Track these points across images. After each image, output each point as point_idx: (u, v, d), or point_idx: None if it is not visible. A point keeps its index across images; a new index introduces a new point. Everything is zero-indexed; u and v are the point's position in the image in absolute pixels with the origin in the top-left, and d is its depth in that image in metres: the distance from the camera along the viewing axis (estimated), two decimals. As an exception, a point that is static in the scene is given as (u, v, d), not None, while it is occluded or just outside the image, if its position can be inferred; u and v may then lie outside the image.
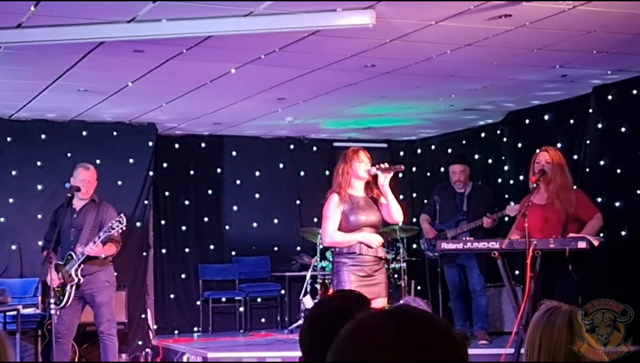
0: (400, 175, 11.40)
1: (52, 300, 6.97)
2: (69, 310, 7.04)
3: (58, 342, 7.01)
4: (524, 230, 5.79)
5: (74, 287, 6.97)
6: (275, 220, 10.77)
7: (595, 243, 5.69)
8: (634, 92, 7.70)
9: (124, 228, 6.92)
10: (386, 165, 5.80)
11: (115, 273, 7.39)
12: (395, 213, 5.79)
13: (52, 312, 6.96)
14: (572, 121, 8.57)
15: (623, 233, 7.65)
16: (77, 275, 6.93)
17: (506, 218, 8.27)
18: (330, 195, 5.84)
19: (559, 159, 6.17)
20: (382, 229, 9.60)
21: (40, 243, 8.85)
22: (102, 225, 7.03)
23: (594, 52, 6.63)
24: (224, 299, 10.43)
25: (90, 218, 7.07)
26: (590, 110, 8.07)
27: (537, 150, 6.40)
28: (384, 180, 5.74)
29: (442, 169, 9.61)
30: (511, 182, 9.03)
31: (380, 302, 5.75)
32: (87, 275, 6.98)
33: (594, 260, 6.64)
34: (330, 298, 2.12)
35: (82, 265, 6.94)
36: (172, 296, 10.32)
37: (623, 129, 7.76)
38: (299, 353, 2.05)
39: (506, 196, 9.06)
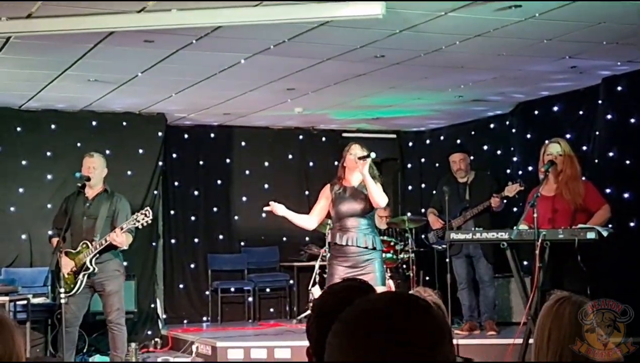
0: (409, 165, 11.45)
1: (62, 290, 7.00)
2: (78, 299, 7.06)
3: (66, 330, 7.04)
4: (532, 221, 5.79)
5: (86, 276, 7.01)
6: (285, 211, 10.79)
7: (604, 234, 5.69)
8: (644, 83, 7.68)
9: (150, 221, 6.94)
10: (362, 153, 6.04)
11: (125, 263, 7.41)
12: (375, 198, 6.01)
13: (62, 301, 7.00)
14: (581, 112, 8.55)
15: (632, 224, 7.64)
16: (92, 264, 6.97)
17: (504, 201, 8.24)
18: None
19: (569, 151, 6.17)
20: (391, 219, 9.73)
21: (50, 232, 8.92)
22: (115, 215, 7.06)
23: (604, 43, 6.61)
24: (232, 289, 10.46)
25: (104, 209, 7.09)
26: (600, 101, 8.05)
27: (547, 141, 6.39)
28: (362, 168, 5.99)
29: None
30: (520, 173, 9.00)
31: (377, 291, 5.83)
32: (97, 263, 7.01)
33: (603, 251, 6.64)
34: (336, 289, 2.12)
35: (97, 255, 6.98)
36: (181, 286, 10.36)
37: (632, 120, 7.75)
38: (307, 343, 2.06)
39: (518, 191, 9.03)
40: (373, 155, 6.03)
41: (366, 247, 6.01)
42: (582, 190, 6.12)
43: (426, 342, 1.33)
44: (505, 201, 8.21)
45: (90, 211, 7.11)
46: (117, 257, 7.12)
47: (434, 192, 9.17)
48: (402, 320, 1.35)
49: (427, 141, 11.28)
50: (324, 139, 11.11)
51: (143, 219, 6.83)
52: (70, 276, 7.05)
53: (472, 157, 8.79)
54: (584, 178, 6.46)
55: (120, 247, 7.01)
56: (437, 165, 10.86)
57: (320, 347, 1.99)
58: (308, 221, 6.43)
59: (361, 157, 6.00)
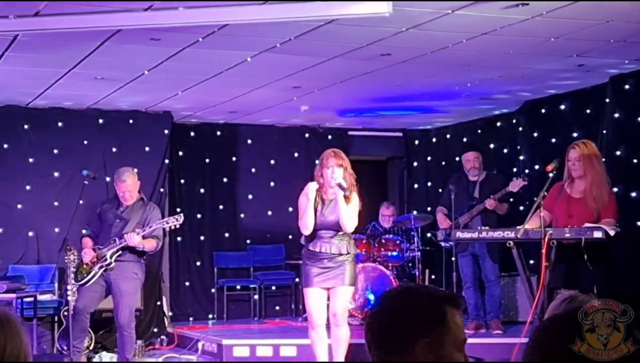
0: (415, 164, 11.45)
1: (69, 287, 7.03)
2: (89, 291, 7.10)
3: (75, 318, 7.06)
4: (548, 218, 5.74)
5: (102, 269, 7.06)
6: (290, 209, 10.77)
7: (612, 233, 5.66)
8: (651, 81, 7.65)
9: (178, 226, 7.13)
10: (342, 183, 6.10)
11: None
12: (344, 222, 6.15)
13: (69, 293, 7.03)
14: (588, 111, 8.53)
15: (639, 223, 7.62)
16: (110, 258, 7.04)
17: (511, 199, 8.23)
18: (310, 183, 6.28)
19: (588, 153, 6.01)
20: (398, 218, 9.74)
21: (57, 230, 8.94)
22: (146, 222, 7.16)
23: (611, 41, 6.59)
24: (238, 287, 10.47)
25: (137, 215, 7.20)
26: (607, 100, 8.03)
27: (571, 145, 6.21)
28: (338, 193, 6.11)
29: (457, 158, 9.60)
30: (526, 171, 8.99)
31: (342, 291, 6.25)
32: (118, 261, 7.07)
33: (610, 250, 6.61)
34: (412, 290, 2.11)
35: (120, 252, 7.03)
36: (187, 283, 10.37)
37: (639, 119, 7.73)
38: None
39: (522, 186, 9.02)
40: (347, 192, 6.10)
41: (342, 253, 6.22)
42: (607, 198, 6.01)
43: None
44: (511, 200, 8.21)
45: (123, 215, 7.24)
46: (138, 262, 7.20)
47: (440, 190, 9.16)
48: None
49: (434, 139, 11.27)
50: (329, 137, 11.11)
51: (173, 222, 7.04)
52: (88, 266, 7.13)
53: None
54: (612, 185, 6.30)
55: (139, 248, 7.08)
56: (443, 163, 10.86)
57: (382, 343, 1.99)
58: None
59: (341, 187, 6.09)
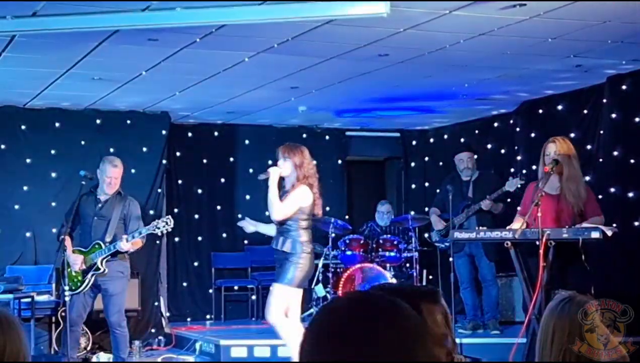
0: (413, 164, 11.44)
1: (66, 287, 7.00)
2: (83, 297, 7.07)
3: (70, 329, 7.03)
4: (536, 219, 5.75)
5: (94, 276, 7.01)
6: (288, 209, 10.80)
7: (609, 233, 5.67)
8: (649, 82, 7.66)
9: (170, 230, 7.06)
10: (281, 159, 6.41)
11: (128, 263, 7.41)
12: (270, 211, 6.30)
13: (67, 299, 7.01)
14: (585, 111, 8.54)
15: (636, 223, 7.63)
16: (102, 264, 6.97)
17: (509, 199, 8.24)
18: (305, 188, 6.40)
19: (566, 150, 6.11)
20: (396, 218, 9.74)
21: (54, 230, 8.92)
22: (127, 218, 7.09)
23: (609, 41, 6.60)
24: (236, 287, 10.47)
25: (117, 211, 7.10)
26: (604, 100, 8.04)
27: (549, 140, 6.34)
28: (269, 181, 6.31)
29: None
30: (524, 171, 9.00)
31: (273, 287, 6.51)
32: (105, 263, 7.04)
33: (607, 251, 6.63)
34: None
35: (108, 257, 6.99)
36: (184, 284, 10.37)
37: (637, 119, 7.74)
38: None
39: (519, 186, 9.02)
40: (263, 176, 6.37)
41: (282, 250, 6.31)
42: (584, 194, 6.07)
43: (391, 344, 1.32)
44: (508, 200, 8.21)
45: (101, 212, 7.13)
46: (122, 259, 7.13)
47: (438, 191, 9.16)
48: (363, 321, 1.35)
49: (431, 140, 11.28)
50: (327, 137, 11.11)
51: (164, 227, 6.95)
52: (79, 274, 7.05)
53: (476, 156, 8.80)
54: (587, 178, 6.41)
55: (128, 251, 7.05)
56: (440, 163, 10.86)
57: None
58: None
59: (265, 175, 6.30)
